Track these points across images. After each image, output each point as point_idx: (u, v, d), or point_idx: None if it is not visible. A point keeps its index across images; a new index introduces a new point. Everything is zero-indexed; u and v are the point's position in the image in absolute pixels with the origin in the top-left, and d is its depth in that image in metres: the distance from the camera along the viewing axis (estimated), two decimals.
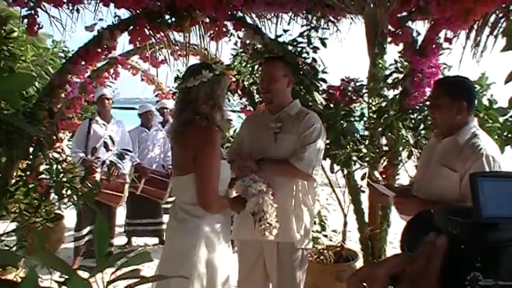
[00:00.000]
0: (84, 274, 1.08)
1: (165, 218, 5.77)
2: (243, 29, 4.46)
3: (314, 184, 3.27)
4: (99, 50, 4.43)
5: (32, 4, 4.08)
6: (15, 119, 3.15)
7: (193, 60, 5.93)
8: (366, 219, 4.55)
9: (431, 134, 3.42)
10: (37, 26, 4.20)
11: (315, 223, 4.78)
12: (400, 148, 3.94)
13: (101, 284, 1.07)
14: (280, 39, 4.46)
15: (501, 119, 3.54)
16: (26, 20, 4.12)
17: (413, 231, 0.77)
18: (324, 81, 4.27)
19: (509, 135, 3.46)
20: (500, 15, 3.85)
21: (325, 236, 4.85)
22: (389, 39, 3.98)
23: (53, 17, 4.35)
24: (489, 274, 0.66)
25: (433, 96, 2.85)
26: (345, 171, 4.31)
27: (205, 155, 2.58)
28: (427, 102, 3.60)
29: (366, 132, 4.30)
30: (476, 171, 0.73)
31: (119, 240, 6.43)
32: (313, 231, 4.70)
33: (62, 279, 1.02)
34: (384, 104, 4.14)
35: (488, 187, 0.68)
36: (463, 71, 4.06)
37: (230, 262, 2.85)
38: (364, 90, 4.31)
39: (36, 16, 4.16)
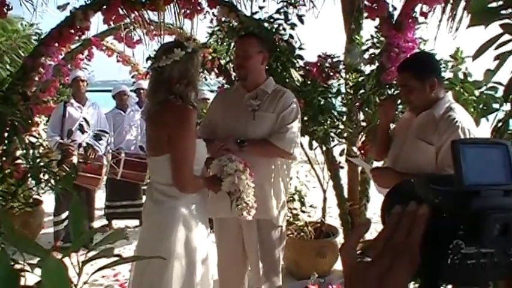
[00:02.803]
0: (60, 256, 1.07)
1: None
2: (218, 7, 4.41)
3: (290, 161, 3.29)
4: (72, 31, 4.35)
5: None
6: None
7: (169, 39, 5.85)
8: (345, 194, 4.59)
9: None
10: (6, 7, 4.11)
11: (294, 200, 4.81)
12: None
13: (78, 265, 1.06)
14: (256, 16, 4.43)
15: (477, 92, 3.57)
16: None
17: (394, 201, 0.75)
18: (301, 57, 4.26)
19: (485, 107, 3.49)
20: None
21: (305, 212, 4.88)
22: (365, 14, 3.97)
23: None
24: (471, 242, 0.65)
25: (402, 83, 2.80)
26: (324, 148, 4.32)
27: (180, 135, 2.55)
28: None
29: (344, 109, 4.31)
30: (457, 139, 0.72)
31: (99, 224, 6.38)
32: (293, 208, 4.76)
33: (35, 262, 1.01)
34: (360, 79, 4.14)
35: (470, 154, 0.67)
36: (438, 45, 4.08)
37: (208, 241, 2.85)
38: (341, 66, 4.31)
39: None
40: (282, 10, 4.35)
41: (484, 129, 3.29)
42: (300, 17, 4.35)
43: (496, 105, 3.49)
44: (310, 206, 4.96)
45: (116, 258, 1.07)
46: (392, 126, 3.31)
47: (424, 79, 2.67)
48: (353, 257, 0.72)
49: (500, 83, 3.45)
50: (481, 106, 3.53)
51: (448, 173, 0.70)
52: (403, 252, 0.67)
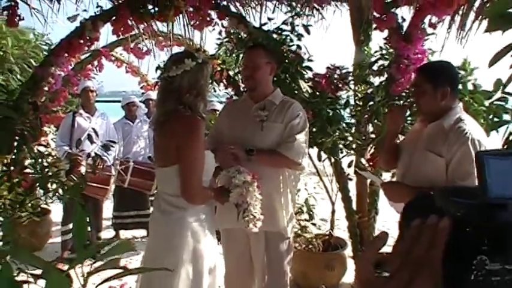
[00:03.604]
0: (65, 267, 1.06)
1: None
2: (227, 18, 4.42)
3: (297, 172, 3.27)
4: (82, 41, 4.37)
5: None
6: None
7: (178, 50, 5.87)
8: (354, 207, 4.56)
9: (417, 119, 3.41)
10: (18, 17, 4.14)
11: (303, 212, 4.78)
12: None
13: (83, 276, 1.04)
14: (265, 28, 4.43)
15: (486, 103, 3.54)
16: (5, 12, 4.06)
17: (412, 214, 0.71)
18: (310, 69, 4.25)
19: (495, 118, 3.46)
20: None
21: (314, 224, 4.84)
22: (374, 25, 3.96)
23: (34, 8, 4.29)
24: (496, 257, 0.63)
25: (416, 84, 2.81)
26: (332, 160, 4.30)
27: (189, 146, 2.54)
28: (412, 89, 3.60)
29: (353, 120, 4.29)
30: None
31: (107, 234, 6.40)
32: (301, 220, 4.73)
33: (39, 272, 1.00)
34: (369, 91, 4.12)
35: (494, 166, 0.65)
36: (447, 56, 4.06)
37: (216, 252, 2.83)
38: (349, 78, 4.29)
39: (16, 7, 4.10)
40: (288, 21, 4.35)
41: (494, 141, 3.27)
42: (306, 27, 4.34)
43: (506, 116, 3.46)
44: (321, 220, 4.93)
45: (122, 270, 1.06)
46: (401, 137, 3.29)
47: (437, 85, 2.65)
48: (370, 271, 0.70)
49: (510, 94, 3.42)
50: (490, 117, 3.50)
51: (468, 185, 0.68)
52: (423, 266, 0.64)
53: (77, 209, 1.17)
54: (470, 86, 3.74)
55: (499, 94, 3.51)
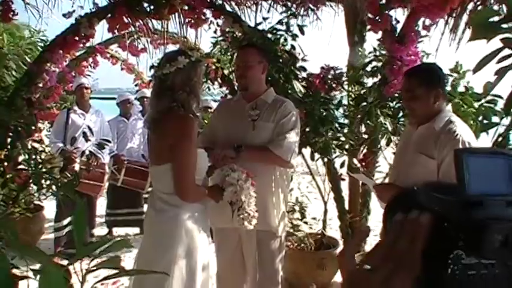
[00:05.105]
0: (64, 262, 1.08)
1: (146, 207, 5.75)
2: (222, 17, 4.43)
3: (288, 170, 3.30)
4: (77, 38, 4.36)
5: None
6: None
7: (173, 48, 5.87)
8: (346, 206, 4.58)
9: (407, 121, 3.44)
10: (12, 13, 4.13)
11: (295, 211, 4.80)
12: (379, 136, 3.96)
13: (81, 272, 1.06)
14: (260, 27, 4.45)
15: (476, 104, 3.58)
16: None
17: (396, 209, 0.72)
18: (304, 69, 4.27)
19: (484, 120, 3.50)
20: (478, 3, 3.89)
21: (306, 223, 4.86)
22: (368, 26, 3.99)
23: (29, 3, 4.28)
24: (472, 252, 0.65)
25: (408, 89, 2.79)
26: (325, 159, 4.32)
27: (182, 144, 2.56)
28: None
29: (346, 120, 4.32)
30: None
31: (100, 231, 6.39)
32: (293, 218, 4.74)
33: (38, 268, 1.02)
34: (363, 91, 4.15)
35: (473, 163, 0.66)
36: (440, 58, 4.09)
37: (209, 251, 2.85)
38: (343, 78, 4.32)
39: (10, 2, 4.09)
40: (284, 21, 4.37)
41: (483, 143, 3.30)
42: (301, 28, 4.36)
43: (495, 118, 3.50)
44: (313, 219, 4.94)
45: (117, 270, 1.07)
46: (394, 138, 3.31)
47: (430, 89, 2.67)
48: (352, 264, 0.72)
49: (499, 96, 3.46)
50: (480, 118, 3.54)
51: (452, 182, 0.69)
52: (404, 260, 0.65)
53: (77, 205, 1.19)
54: (461, 88, 3.78)
55: (488, 96, 3.55)
